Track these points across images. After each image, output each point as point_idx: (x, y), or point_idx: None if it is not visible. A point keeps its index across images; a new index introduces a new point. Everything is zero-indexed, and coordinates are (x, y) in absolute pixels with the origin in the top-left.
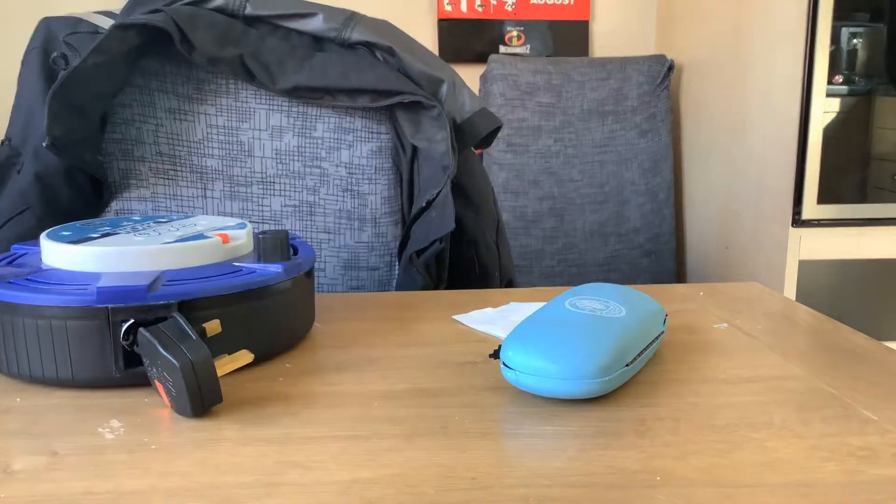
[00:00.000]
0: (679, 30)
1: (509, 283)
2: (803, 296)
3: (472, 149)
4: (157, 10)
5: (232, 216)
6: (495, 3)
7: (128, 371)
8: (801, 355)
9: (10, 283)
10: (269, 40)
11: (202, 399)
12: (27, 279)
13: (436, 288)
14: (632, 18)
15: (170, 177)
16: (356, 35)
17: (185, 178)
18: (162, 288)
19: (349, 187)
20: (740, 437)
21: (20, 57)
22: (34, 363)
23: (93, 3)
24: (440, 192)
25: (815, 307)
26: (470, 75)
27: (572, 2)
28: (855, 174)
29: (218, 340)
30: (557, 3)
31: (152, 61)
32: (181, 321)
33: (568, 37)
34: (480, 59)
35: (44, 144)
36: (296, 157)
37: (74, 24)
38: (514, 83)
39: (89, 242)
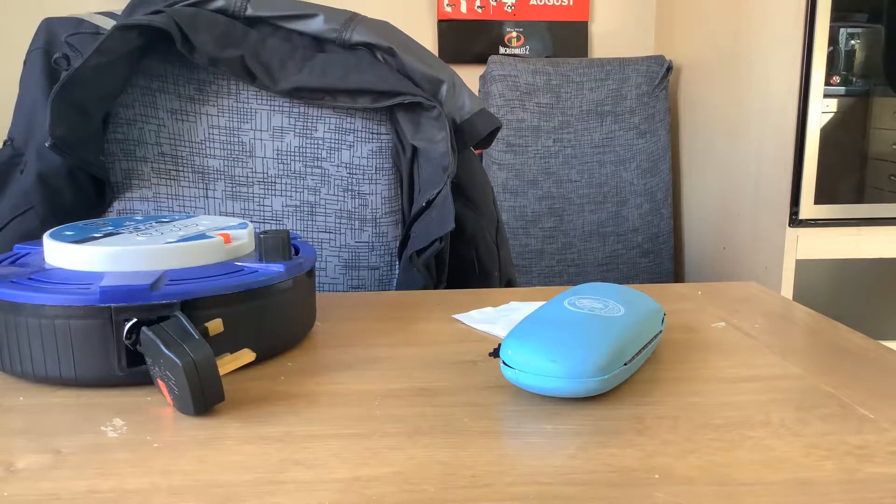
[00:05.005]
0: (677, 30)
1: (509, 283)
2: (801, 295)
3: (472, 149)
4: (158, 11)
5: (233, 216)
6: (495, 4)
7: (130, 370)
8: (799, 354)
9: (13, 282)
10: (269, 41)
11: (204, 398)
12: (30, 279)
13: (436, 287)
14: (630, 19)
15: (172, 177)
16: (357, 36)
17: (186, 179)
18: (164, 287)
19: (350, 187)
20: (738, 435)
21: (22, 57)
22: (37, 362)
23: (94, 4)
24: (440, 191)
25: (813, 307)
26: (469, 76)
27: (571, 3)
28: (852, 174)
29: (220, 339)
30: (556, 4)
31: (154, 62)
32: (183, 320)
33: (567, 37)
34: (480, 59)
35: (46, 145)
36: (297, 158)
37: (76, 25)
38: (514, 84)
39: (92, 242)
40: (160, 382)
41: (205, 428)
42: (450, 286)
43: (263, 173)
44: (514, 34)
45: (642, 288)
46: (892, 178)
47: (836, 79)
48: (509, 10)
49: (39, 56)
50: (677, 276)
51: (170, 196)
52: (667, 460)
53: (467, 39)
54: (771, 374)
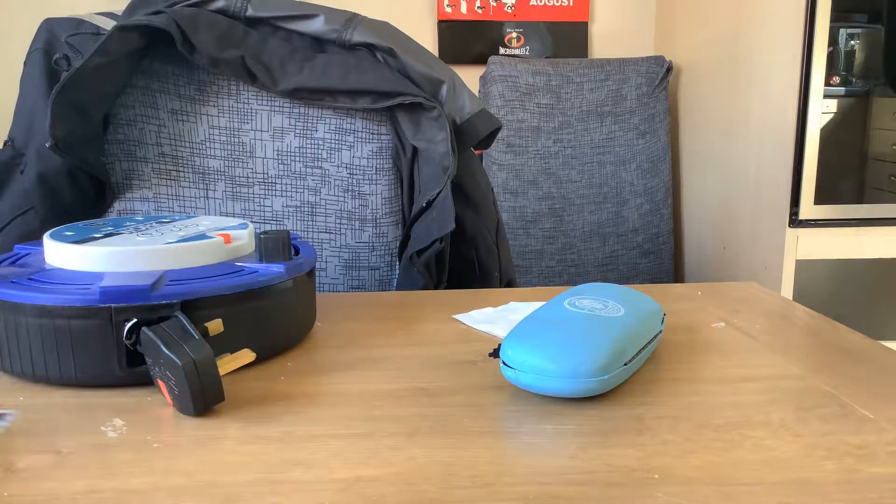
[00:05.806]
0: (678, 31)
1: (509, 283)
2: (801, 295)
3: (472, 149)
4: (158, 12)
5: (234, 216)
6: (495, 4)
7: (130, 370)
8: (799, 354)
9: (13, 282)
10: (270, 42)
11: (204, 398)
12: (30, 279)
13: (436, 288)
14: (630, 20)
15: (172, 177)
16: (357, 36)
17: (187, 179)
18: (165, 287)
19: (350, 188)
20: (738, 435)
21: (22, 58)
22: (37, 362)
23: (94, 5)
24: (440, 192)
25: (813, 307)
26: (470, 76)
27: (571, 3)
28: (852, 175)
29: (220, 339)
30: (556, 4)
31: (154, 62)
32: (184, 320)
33: (567, 38)
34: (480, 60)
35: (46, 145)
36: (297, 158)
37: (76, 26)
38: (514, 84)
39: (92, 242)
40: (160, 382)
41: (205, 428)
42: (450, 286)
43: (264, 174)
44: (514, 35)
45: (642, 288)
46: (893, 178)
47: (836, 79)
48: (509, 11)
49: (40, 56)
50: (677, 276)
51: (170, 196)
52: (667, 460)
53: (467, 40)
54: (771, 374)
